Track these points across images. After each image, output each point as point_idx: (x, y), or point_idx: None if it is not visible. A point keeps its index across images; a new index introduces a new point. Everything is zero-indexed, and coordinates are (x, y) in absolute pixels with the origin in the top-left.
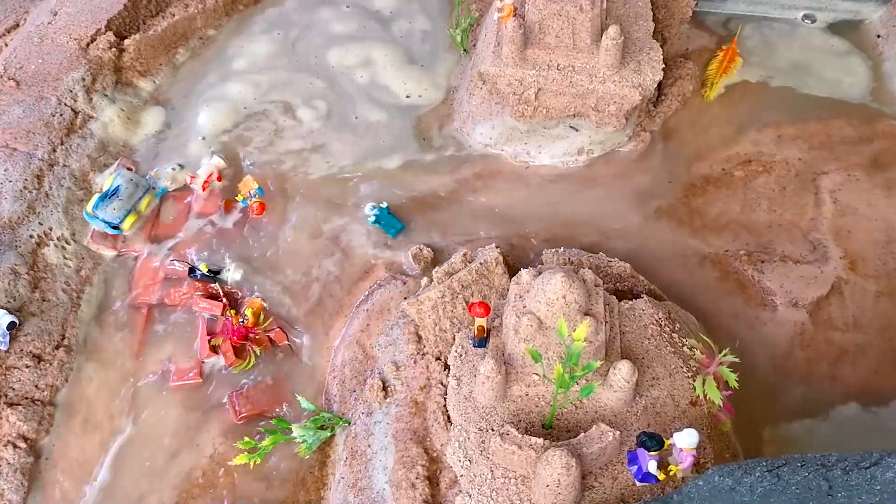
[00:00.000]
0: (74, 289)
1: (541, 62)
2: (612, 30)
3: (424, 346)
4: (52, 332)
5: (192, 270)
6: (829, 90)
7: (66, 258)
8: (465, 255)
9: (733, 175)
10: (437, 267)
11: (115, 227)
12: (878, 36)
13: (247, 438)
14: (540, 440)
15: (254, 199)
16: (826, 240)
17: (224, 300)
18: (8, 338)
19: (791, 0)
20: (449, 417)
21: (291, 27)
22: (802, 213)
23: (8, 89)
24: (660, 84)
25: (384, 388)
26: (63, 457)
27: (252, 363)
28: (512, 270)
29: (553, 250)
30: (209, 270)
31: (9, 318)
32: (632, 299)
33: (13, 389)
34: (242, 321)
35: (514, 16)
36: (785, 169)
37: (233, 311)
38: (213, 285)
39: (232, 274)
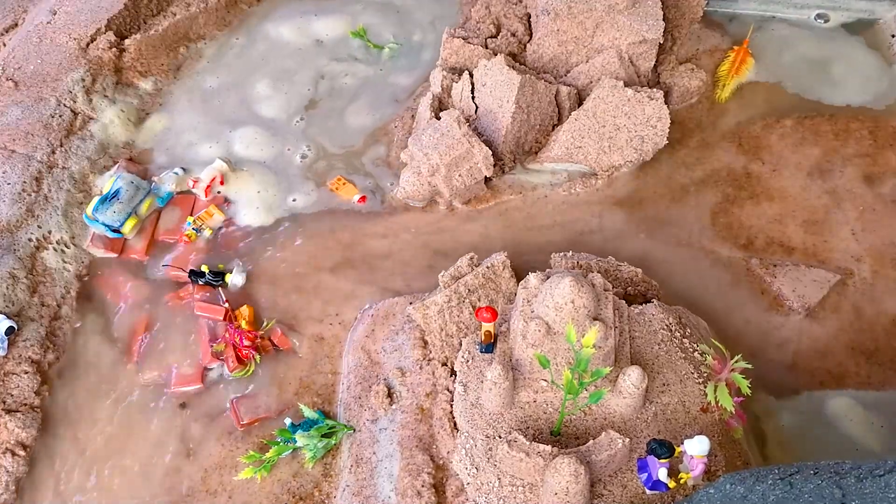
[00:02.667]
0: (74, 293)
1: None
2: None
3: (430, 352)
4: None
5: (193, 274)
6: (843, 92)
7: (65, 262)
8: (471, 258)
9: (745, 179)
10: (442, 272)
11: (116, 231)
12: (893, 36)
13: (251, 452)
14: (548, 447)
15: (189, 230)
16: (842, 246)
17: (227, 305)
18: (6, 343)
19: None
20: (455, 424)
21: None
22: (815, 217)
23: (6, 90)
24: (669, 90)
25: (389, 395)
26: (58, 465)
27: (253, 369)
28: (519, 274)
29: (561, 254)
30: (212, 272)
31: (7, 323)
32: (642, 304)
33: (11, 396)
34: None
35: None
36: (798, 173)
37: (237, 314)
38: (215, 296)
39: (234, 278)
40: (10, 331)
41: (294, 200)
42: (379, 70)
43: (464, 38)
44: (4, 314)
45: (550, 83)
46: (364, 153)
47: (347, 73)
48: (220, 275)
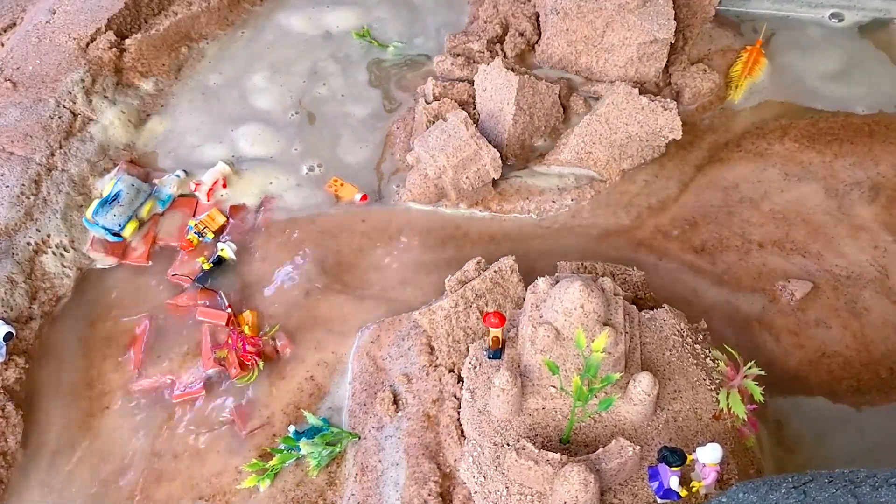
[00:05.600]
0: (74, 298)
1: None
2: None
3: (437, 358)
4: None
5: (200, 279)
6: (857, 93)
7: (64, 266)
8: (478, 262)
9: (756, 182)
10: (449, 276)
11: (116, 235)
12: None
13: (254, 460)
14: (557, 455)
15: (191, 234)
16: (856, 249)
17: (229, 310)
18: (5, 349)
19: None
20: (462, 432)
21: None
22: (827, 220)
23: (4, 91)
24: (680, 91)
25: (395, 402)
26: (56, 473)
27: (256, 375)
28: (527, 279)
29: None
30: (213, 263)
31: (6, 329)
32: (652, 309)
33: (11, 403)
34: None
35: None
36: (810, 176)
37: (240, 319)
38: (223, 306)
39: (229, 253)
40: (8, 336)
41: (295, 199)
42: (369, 84)
43: (454, 57)
44: (3, 319)
45: (554, 83)
46: (383, 175)
47: (339, 76)
48: (219, 261)
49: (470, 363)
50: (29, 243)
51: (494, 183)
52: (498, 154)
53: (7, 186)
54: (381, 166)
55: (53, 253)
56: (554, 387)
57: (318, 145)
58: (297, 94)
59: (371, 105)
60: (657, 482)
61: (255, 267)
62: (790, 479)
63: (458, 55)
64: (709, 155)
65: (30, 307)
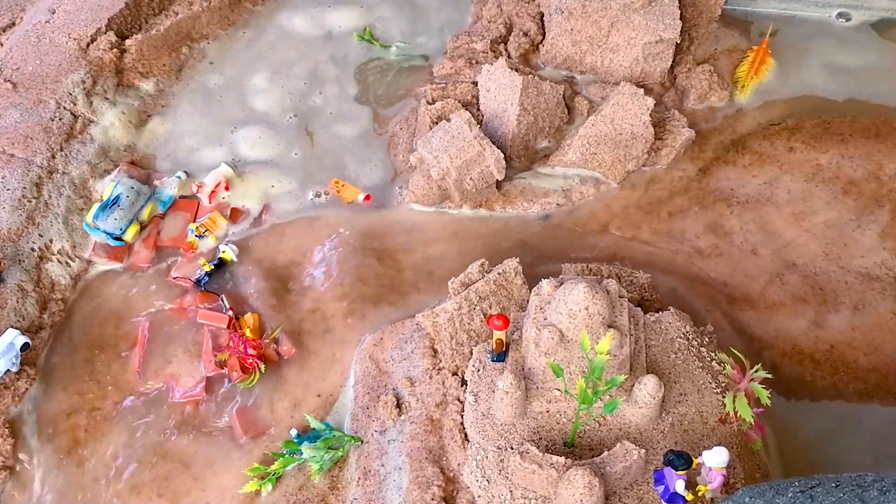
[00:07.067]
0: (76, 301)
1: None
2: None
3: (440, 361)
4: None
5: (200, 282)
6: (864, 93)
7: (71, 276)
8: (481, 264)
9: (763, 183)
10: (452, 278)
11: (118, 238)
12: None
13: (256, 464)
14: (561, 459)
15: (192, 237)
16: (864, 251)
17: (230, 312)
18: (19, 360)
19: None
20: (466, 435)
21: None
22: (834, 221)
23: (4, 92)
24: (686, 92)
25: (398, 405)
26: (59, 475)
27: (257, 378)
28: (531, 281)
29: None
30: (214, 265)
31: (23, 340)
32: (657, 311)
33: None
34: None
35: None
36: (816, 176)
37: (241, 322)
38: (224, 309)
39: (231, 254)
40: (25, 347)
41: (297, 202)
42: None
43: (457, 58)
44: (19, 330)
45: (558, 83)
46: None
47: (336, 82)
48: (220, 263)
49: (473, 366)
50: (33, 249)
51: (498, 184)
52: (502, 155)
53: (8, 189)
54: (395, 180)
55: (59, 260)
56: (558, 389)
57: (320, 170)
58: (296, 96)
59: (360, 124)
60: (663, 486)
61: (262, 271)
62: (797, 483)
63: (461, 56)
64: (714, 156)
65: (40, 316)
